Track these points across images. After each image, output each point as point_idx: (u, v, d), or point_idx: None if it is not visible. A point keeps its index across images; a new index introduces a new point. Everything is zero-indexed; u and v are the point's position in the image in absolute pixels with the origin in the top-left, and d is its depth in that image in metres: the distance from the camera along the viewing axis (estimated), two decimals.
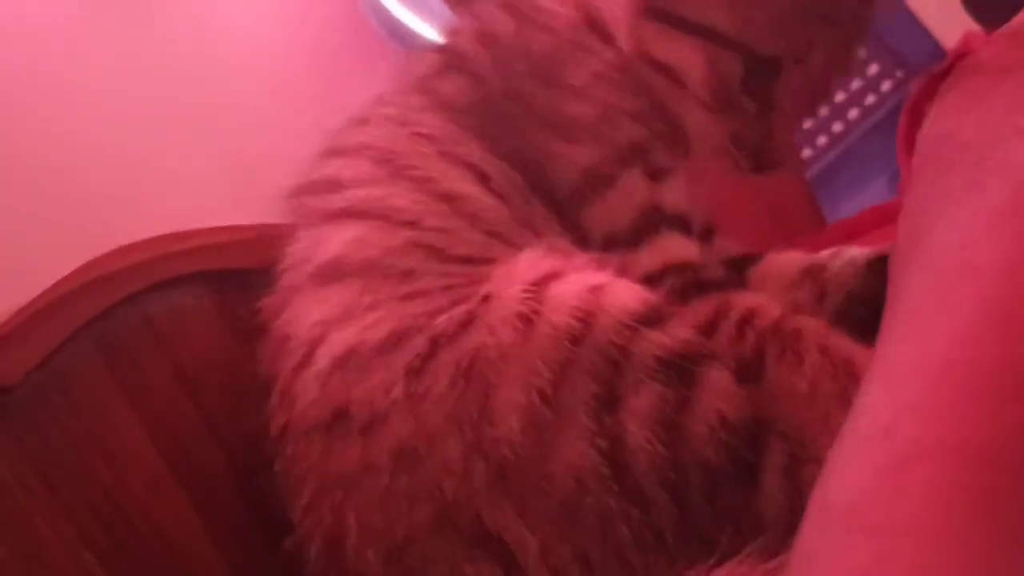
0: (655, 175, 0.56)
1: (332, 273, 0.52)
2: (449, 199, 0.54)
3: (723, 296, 0.51)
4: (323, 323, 0.50)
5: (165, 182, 0.94)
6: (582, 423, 0.43)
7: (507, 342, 0.44)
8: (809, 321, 0.49)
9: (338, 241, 0.52)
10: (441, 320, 0.47)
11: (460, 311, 0.47)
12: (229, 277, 0.60)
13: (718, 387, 0.44)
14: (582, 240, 0.54)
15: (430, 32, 1.19)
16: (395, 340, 0.47)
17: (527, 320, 0.45)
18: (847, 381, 0.45)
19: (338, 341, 0.48)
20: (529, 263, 0.48)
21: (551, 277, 0.46)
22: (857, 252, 0.54)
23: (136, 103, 1.02)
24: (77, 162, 0.90)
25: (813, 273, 0.57)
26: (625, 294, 0.46)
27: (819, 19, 0.53)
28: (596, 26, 0.58)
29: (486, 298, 0.47)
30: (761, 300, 0.51)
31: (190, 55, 1.19)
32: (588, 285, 0.46)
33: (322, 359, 0.48)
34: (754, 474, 0.44)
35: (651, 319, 0.45)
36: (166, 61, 1.15)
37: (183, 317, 0.58)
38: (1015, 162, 0.29)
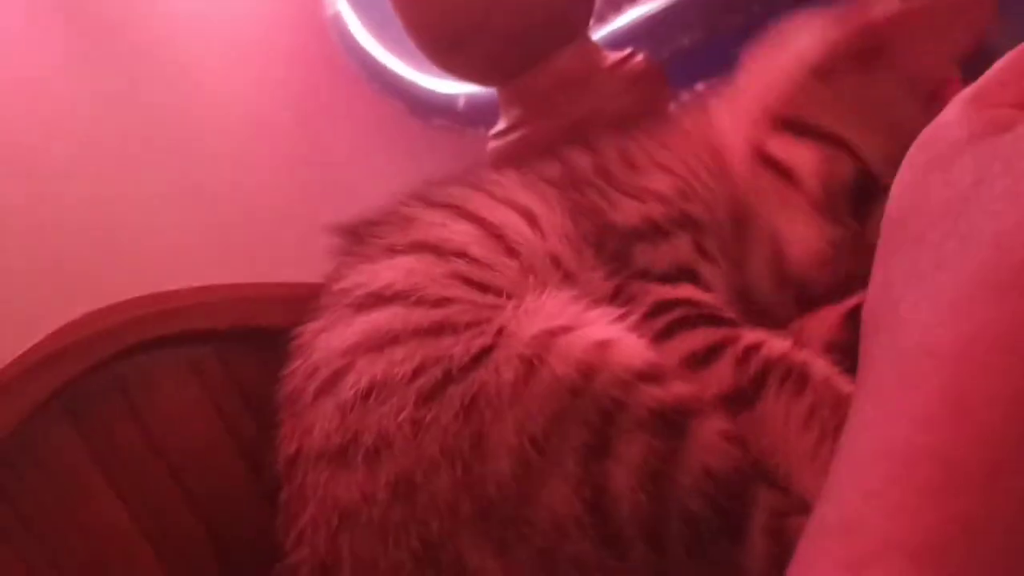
0: (701, 251, 0.58)
1: (373, 302, 0.52)
2: (493, 230, 0.56)
3: (732, 329, 0.52)
4: (352, 350, 0.50)
5: (136, 242, 0.94)
6: (569, 469, 0.44)
7: (509, 383, 0.45)
8: (817, 358, 0.49)
9: (387, 271, 0.54)
10: (457, 350, 0.47)
11: (476, 343, 0.48)
12: (202, 339, 0.59)
13: (707, 440, 0.44)
14: (615, 271, 0.56)
15: (409, 73, 1.19)
16: (416, 370, 0.48)
17: (531, 366, 0.45)
18: (845, 415, 0.45)
19: (365, 371, 0.48)
20: (552, 308, 0.49)
21: (565, 329, 0.47)
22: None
23: (108, 158, 1.01)
24: (46, 226, 0.89)
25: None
26: (630, 351, 0.47)
27: None
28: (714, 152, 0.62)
29: (500, 332, 0.48)
30: (769, 335, 0.51)
31: (166, 109, 1.19)
32: (597, 340, 0.47)
33: (346, 389, 0.48)
34: (738, 527, 0.44)
35: (651, 376, 0.46)
36: (140, 116, 1.15)
37: (156, 381, 0.57)
38: (981, 240, 0.28)
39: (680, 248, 0.58)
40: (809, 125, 0.59)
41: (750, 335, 0.51)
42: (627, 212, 0.59)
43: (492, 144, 0.78)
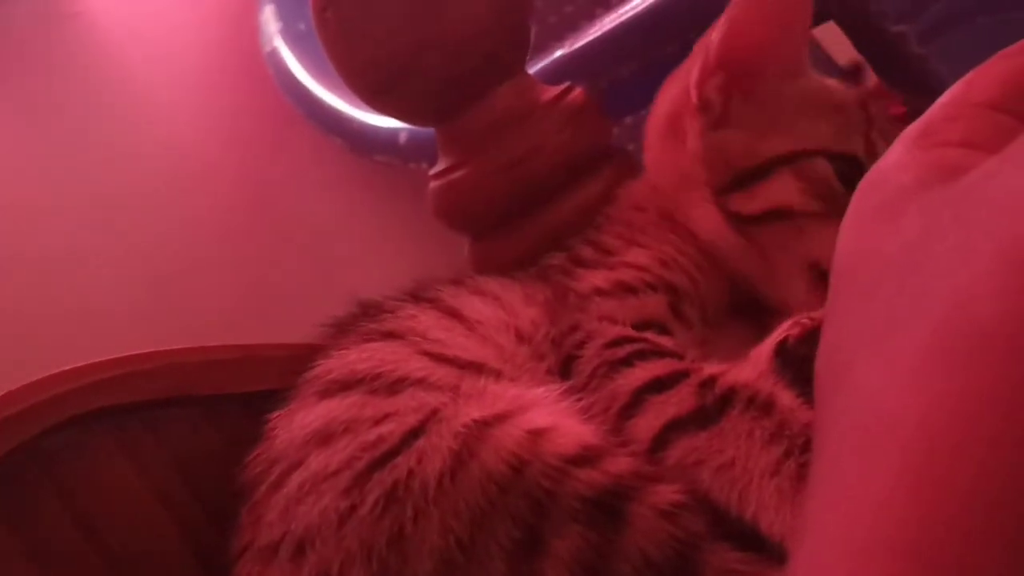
0: (676, 313, 0.57)
1: (336, 388, 0.51)
2: (459, 315, 0.56)
3: (696, 363, 0.50)
4: (308, 442, 0.48)
5: (58, 313, 0.90)
6: (497, 569, 0.41)
7: (435, 476, 0.42)
8: (784, 389, 0.46)
9: (355, 354, 0.52)
10: (384, 430, 0.45)
11: (406, 422, 0.45)
12: (131, 411, 0.56)
13: (646, 524, 0.41)
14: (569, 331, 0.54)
15: (348, 110, 1.17)
16: (351, 457, 0.45)
17: (460, 459, 0.43)
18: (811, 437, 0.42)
19: (313, 463, 0.47)
20: (494, 391, 0.47)
21: (502, 417, 0.45)
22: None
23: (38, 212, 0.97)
24: None
25: None
26: (565, 439, 0.44)
27: None
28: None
29: (433, 415, 0.45)
30: (733, 367, 0.49)
31: (101, 154, 1.16)
32: (532, 428, 0.44)
33: (293, 483, 0.47)
34: None
35: (586, 459, 0.43)
36: (77, 159, 1.12)
37: (83, 459, 0.54)
38: (934, 299, 0.26)
39: (650, 306, 0.56)
40: (752, 169, 0.59)
41: (714, 367, 0.49)
42: (592, 279, 0.58)
43: (433, 184, 0.76)
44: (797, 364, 0.47)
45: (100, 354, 0.57)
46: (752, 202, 0.59)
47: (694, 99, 0.61)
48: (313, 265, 1.20)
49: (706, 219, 0.61)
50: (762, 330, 0.55)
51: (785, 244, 0.59)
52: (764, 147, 0.59)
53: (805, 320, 0.49)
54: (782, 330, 0.50)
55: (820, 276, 0.57)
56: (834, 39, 0.71)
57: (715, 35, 0.59)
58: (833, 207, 0.57)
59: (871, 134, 0.60)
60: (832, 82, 0.64)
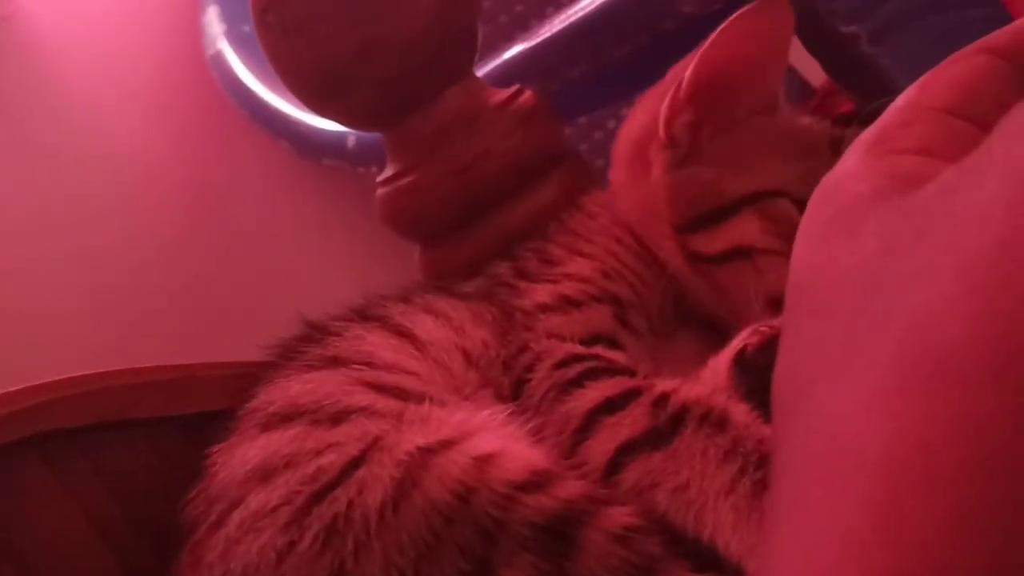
0: (623, 323, 0.56)
1: (277, 421, 0.48)
2: (405, 333, 0.54)
3: (647, 379, 0.49)
4: (248, 479, 0.46)
5: None
6: None
7: (376, 508, 0.40)
8: (737, 403, 0.45)
9: (297, 385, 0.50)
10: (325, 461, 0.43)
11: (349, 451, 0.44)
12: (62, 438, 0.53)
13: (599, 549, 0.40)
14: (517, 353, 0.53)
15: (295, 113, 1.14)
16: (293, 491, 0.43)
17: (402, 488, 0.41)
18: (767, 454, 0.42)
19: (253, 501, 0.44)
20: (439, 417, 0.46)
21: (447, 443, 0.43)
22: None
23: None
24: None
25: None
26: (513, 464, 0.42)
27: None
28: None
29: (375, 443, 0.43)
30: (686, 383, 0.48)
31: (44, 159, 1.12)
32: (478, 454, 0.42)
33: (233, 522, 0.44)
34: None
35: (535, 484, 0.42)
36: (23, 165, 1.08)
37: (10, 491, 0.51)
38: (895, 320, 0.25)
39: (596, 319, 0.55)
40: (716, 210, 0.58)
41: (667, 383, 0.48)
42: (536, 294, 0.57)
43: (380, 191, 0.74)
44: (757, 373, 0.46)
45: (35, 372, 0.54)
46: (714, 242, 0.58)
47: (662, 135, 0.59)
48: (260, 270, 1.17)
49: (666, 249, 0.60)
50: (715, 336, 0.54)
51: (744, 283, 0.57)
52: (730, 187, 0.58)
53: (764, 328, 0.48)
54: (741, 339, 0.49)
55: (779, 307, 0.56)
56: (807, 60, 0.70)
57: (688, 71, 0.57)
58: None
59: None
60: (805, 120, 0.63)
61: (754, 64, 0.57)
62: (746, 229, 0.57)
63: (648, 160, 0.61)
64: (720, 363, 0.49)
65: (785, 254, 0.55)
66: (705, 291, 0.59)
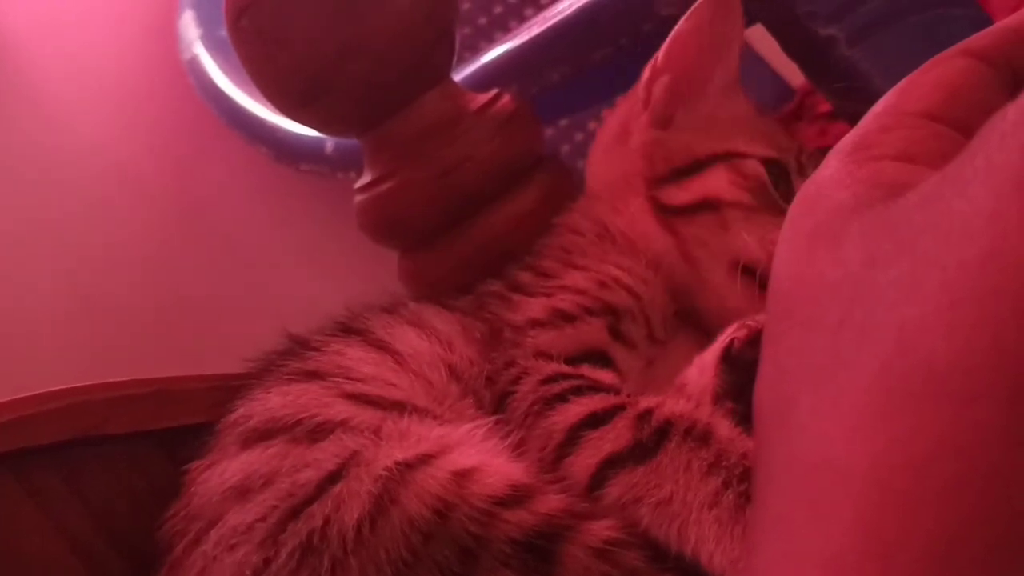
0: (616, 335, 0.56)
1: (260, 434, 0.48)
2: (387, 347, 0.54)
3: (632, 396, 0.48)
4: (227, 498, 0.45)
5: None
6: None
7: (353, 525, 0.40)
8: (722, 418, 0.45)
9: (277, 398, 0.50)
10: (303, 477, 0.43)
11: (326, 466, 0.43)
12: (36, 455, 0.52)
13: (579, 564, 0.39)
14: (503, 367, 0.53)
15: (272, 118, 1.13)
16: (270, 508, 0.43)
17: (380, 504, 0.40)
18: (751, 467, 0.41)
19: (231, 519, 0.44)
20: (418, 431, 0.45)
21: (425, 458, 0.42)
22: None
23: None
24: None
25: None
26: (492, 479, 0.42)
27: None
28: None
29: (352, 458, 0.43)
30: (669, 399, 0.48)
31: (21, 158, 1.10)
32: (457, 469, 0.42)
33: (211, 541, 0.44)
34: None
35: (515, 499, 0.41)
36: None
37: None
38: (879, 334, 0.25)
39: (589, 333, 0.55)
40: (690, 164, 0.61)
41: (651, 399, 0.47)
42: (530, 308, 0.57)
43: (358, 198, 0.73)
44: (744, 369, 0.46)
45: (8, 387, 0.53)
46: (683, 193, 0.61)
47: (641, 95, 0.64)
48: (238, 278, 1.16)
49: (638, 216, 0.63)
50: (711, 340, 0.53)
51: (708, 239, 0.59)
52: (703, 147, 0.62)
53: (750, 322, 0.48)
54: (728, 334, 0.49)
55: (746, 272, 0.57)
56: (786, 61, 0.71)
57: (667, 40, 0.63)
58: (762, 203, 0.59)
59: (801, 158, 0.62)
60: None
61: (716, 41, 0.63)
62: (715, 181, 0.60)
63: (628, 132, 0.66)
64: (707, 359, 0.49)
65: (752, 209, 0.58)
66: (671, 258, 0.61)
